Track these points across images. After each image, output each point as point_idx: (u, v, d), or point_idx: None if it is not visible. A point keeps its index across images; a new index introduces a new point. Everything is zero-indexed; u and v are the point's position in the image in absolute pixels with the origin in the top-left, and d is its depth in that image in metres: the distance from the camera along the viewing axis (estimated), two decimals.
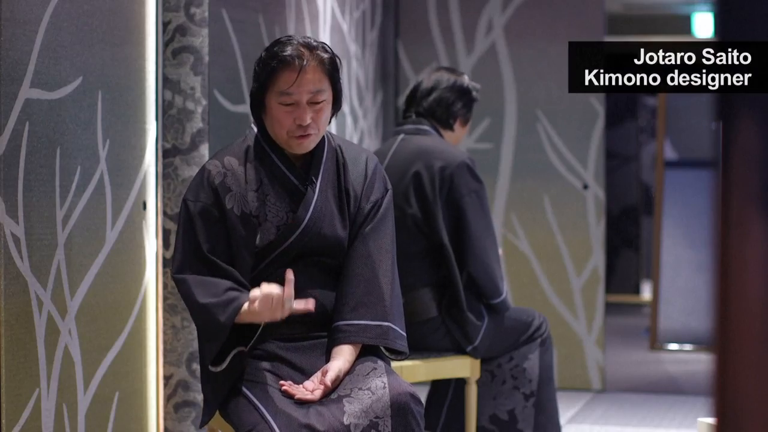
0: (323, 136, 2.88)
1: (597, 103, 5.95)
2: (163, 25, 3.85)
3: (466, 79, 3.94)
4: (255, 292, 2.67)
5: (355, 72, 5.45)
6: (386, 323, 2.81)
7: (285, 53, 2.77)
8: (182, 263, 2.78)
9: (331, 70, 2.81)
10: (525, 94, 5.99)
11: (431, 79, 3.91)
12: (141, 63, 3.65)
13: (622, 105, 10.58)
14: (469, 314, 3.74)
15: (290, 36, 2.84)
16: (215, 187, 2.79)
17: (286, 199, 2.83)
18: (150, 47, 3.71)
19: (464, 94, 3.91)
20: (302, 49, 2.77)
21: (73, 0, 3.21)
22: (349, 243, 2.87)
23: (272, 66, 2.77)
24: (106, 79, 3.41)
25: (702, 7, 8.96)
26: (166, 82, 3.86)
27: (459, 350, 3.79)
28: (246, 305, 2.69)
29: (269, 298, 2.65)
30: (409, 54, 6.08)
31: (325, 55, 2.80)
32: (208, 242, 2.78)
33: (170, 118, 3.87)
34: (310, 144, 2.82)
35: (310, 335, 2.84)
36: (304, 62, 2.76)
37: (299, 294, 2.84)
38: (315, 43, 2.81)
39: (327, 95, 2.80)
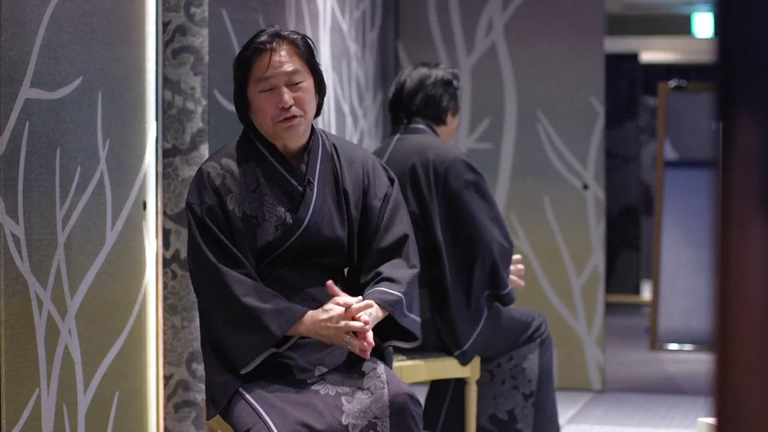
0: (318, 135, 2.89)
1: (597, 103, 5.95)
2: (163, 25, 3.84)
3: (443, 70, 3.93)
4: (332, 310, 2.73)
5: (355, 72, 5.45)
6: (399, 294, 2.82)
7: (257, 41, 2.82)
8: (207, 255, 2.75)
9: (305, 52, 2.84)
10: (525, 94, 5.99)
11: (414, 80, 3.90)
12: (141, 63, 3.65)
13: (622, 105, 10.58)
14: (458, 317, 3.72)
15: (262, 29, 2.87)
16: (216, 188, 2.79)
17: (284, 199, 2.83)
18: (150, 47, 3.71)
19: (448, 86, 3.91)
20: (273, 36, 2.82)
21: (73, 0, 3.21)
22: (366, 242, 2.89)
23: (246, 56, 2.82)
24: (106, 79, 3.41)
25: (702, 7, 8.96)
26: (166, 82, 3.86)
27: (448, 352, 3.76)
28: (307, 316, 2.72)
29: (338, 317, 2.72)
30: (409, 54, 6.08)
31: (296, 37, 2.84)
32: (227, 240, 2.78)
33: (170, 118, 3.87)
34: (298, 129, 2.81)
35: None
36: (275, 44, 2.80)
37: (298, 295, 2.84)
38: (286, 31, 2.85)
39: (305, 77, 2.82)
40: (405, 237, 2.92)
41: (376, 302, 2.77)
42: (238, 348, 2.72)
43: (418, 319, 2.88)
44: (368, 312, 2.72)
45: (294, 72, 2.80)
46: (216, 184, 2.79)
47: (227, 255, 2.76)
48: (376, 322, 2.77)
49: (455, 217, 3.75)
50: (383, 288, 2.82)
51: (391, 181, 2.96)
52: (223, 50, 3.96)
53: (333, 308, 2.72)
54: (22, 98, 2.96)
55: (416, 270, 2.91)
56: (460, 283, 3.75)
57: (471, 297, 3.76)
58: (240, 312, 2.72)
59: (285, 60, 2.80)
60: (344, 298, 2.74)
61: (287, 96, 2.78)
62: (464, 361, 3.73)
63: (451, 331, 3.72)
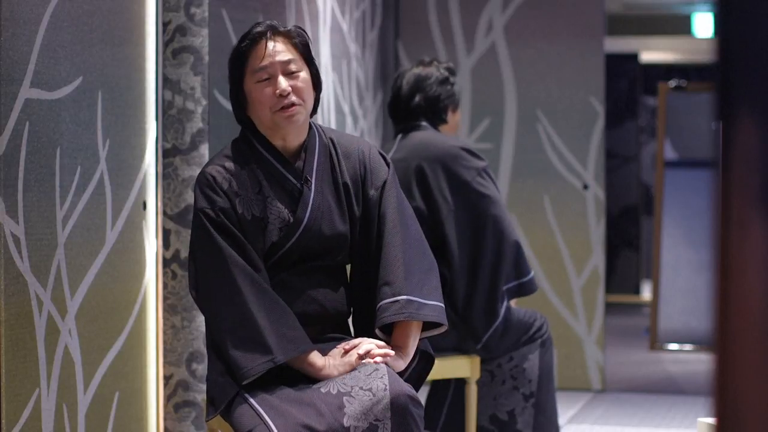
0: (315, 131, 2.88)
1: (597, 103, 5.95)
2: (163, 25, 3.84)
3: (438, 68, 3.94)
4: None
5: (355, 72, 5.45)
6: (403, 297, 2.78)
7: (253, 32, 2.81)
8: (230, 253, 2.72)
9: (301, 44, 2.83)
10: (525, 94, 5.99)
11: (409, 82, 3.90)
12: (141, 63, 3.65)
13: (622, 105, 10.58)
14: (473, 311, 3.75)
15: (257, 23, 2.87)
16: (225, 192, 2.75)
17: (286, 200, 2.82)
18: (150, 47, 3.71)
19: (444, 83, 3.92)
20: (267, 27, 2.82)
21: (73, 0, 3.21)
22: (365, 233, 2.87)
23: (242, 48, 2.81)
24: (106, 79, 3.41)
25: (702, 7, 8.96)
26: (166, 82, 3.86)
27: (453, 351, 3.80)
28: (312, 356, 2.72)
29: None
30: (409, 54, 6.08)
31: (291, 29, 2.84)
32: (245, 243, 2.76)
33: (170, 118, 3.87)
34: (298, 118, 2.79)
35: (325, 337, 2.85)
36: (270, 34, 2.80)
37: (301, 296, 2.83)
38: (281, 25, 2.85)
39: (301, 67, 2.81)
40: (395, 217, 2.86)
41: (389, 321, 2.79)
42: (239, 361, 2.69)
43: (438, 303, 2.83)
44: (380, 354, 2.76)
45: (290, 61, 2.79)
46: (224, 187, 2.76)
47: (247, 257, 2.74)
48: (415, 342, 2.83)
49: (472, 206, 3.75)
50: (384, 303, 2.79)
51: (387, 167, 2.92)
52: (223, 50, 3.96)
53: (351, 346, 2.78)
54: (22, 98, 2.96)
55: (414, 243, 2.85)
56: (475, 276, 3.76)
57: (494, 288, 3.75)
58: (245, 326, 2.70)
59: (281, 49, 2.79)
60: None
61: (285, 83, 2.77)
62: (485, 354, 3.77)
63: (465, 325, 3.75)
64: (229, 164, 2.80)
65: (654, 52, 10.88)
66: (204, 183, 2.78)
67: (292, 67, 2.79)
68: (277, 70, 2.78)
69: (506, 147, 6.00)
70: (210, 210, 2.75)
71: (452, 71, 3.97)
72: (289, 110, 2.77)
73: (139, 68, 3.64)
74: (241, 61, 2.81)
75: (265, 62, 2.78)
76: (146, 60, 3.69)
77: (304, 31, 2.87)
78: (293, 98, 2.77)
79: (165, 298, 3.85)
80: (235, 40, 4.04)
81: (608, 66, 6.20)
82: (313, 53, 2.88)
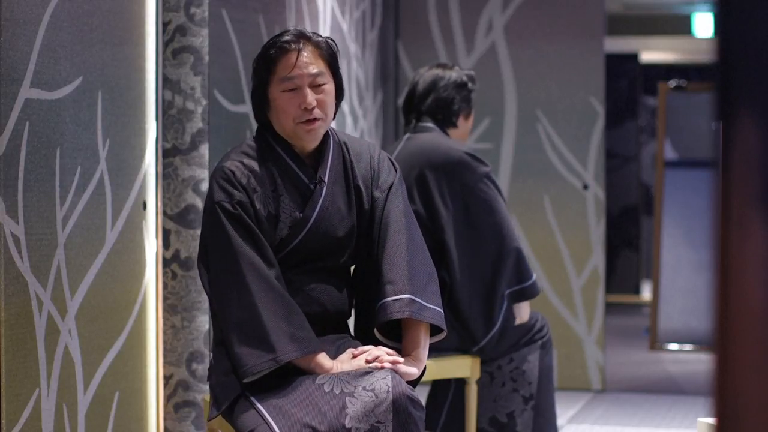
0: (330, 135, 2.89)
1: (597, 103, 5.95)
2: (163, 25, 3.84)
3: (458, 72, 3.92)
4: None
5: (355, 72, 5.45)
6: (406, 296, 2.78)
7: (282, 40, 2.81)
8: (243, 248, 2.72)
9: (329, 55, 2.84)
10: (525, 94, 6.00)
11: (426, 81, 3.89)
12: (141, 63, 3.65)
13: (622, 105, 10.58)
14: (471, 315, 3.75)
15: (286, 29, 2.87)
16: (244, 186, 2.77)
17: (298, 199, 2.84)
18: (150, 47, 3.71)
19: (461, 88, 3.90)
20: (298, 36, 2.82)
21: (73, 0, 3.21)
22: (368, 234, 2.88)
23: (271, 54, 2.81)
24: (106, 79, 3.41)
25: (702, 7, 8.96)
26: (166, 82, 3.86)
27: (455, 351, 3.80)
28: (320, 358, 2.73)
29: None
30: (409, 54, 6.08)
31: (320, 39, 2.84)
32: (262, 237, 2.76)
33: (170, 118, 3.87)
34: (318, 131, 2.81)
35: (324, 336, 2.85)
36: (301, 45, 2.80)
37: (303, 296, 2.84)
38: (310, 33, 2.85)
39: (328, 79, 2.82)
40: (400, 220, 2.87)
41: (391, 318, 2.78)
42: (243, 358, 2.69)
43: (439, 309, 2.83)
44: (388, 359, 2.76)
45: (318, 74, 2.80)
46: (243, 182, 2.77)
47: (262, 251, 2.75)
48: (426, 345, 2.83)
49: (474, 212, 3.75)
50: (386, 301, 2.78)
51: (395, 171, 2.94)
52: (223, 50, 3.96)
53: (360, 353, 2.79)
54: (22, 98, 2.96)
55: (417, 248, 2.85)
56: (474, 281, 3.75)
57: (493, 293, 3.75)
58: (252, 323, 2.70)
59: (310, 61, 2.80)
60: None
61: (311, 97, 2.78)
62: (483, 356, 3.78)
63: (465, 329, 3.75)
64: (248, 161, 2.81)
65: (654, 52, 10.88)
66: (222, 177, 2.78)
67: (320, 80, 2.81)
68: (304, 82, 2.79)
69: (506, 147, 6.00)
70: (228, 203, 2.75)
71: (472, 79, 3.95)
72: (312, 125, 2.80)
73: (139, 68, 3.64)
74: (268, 66, 2.82)
75: (294, 73, 2.79)
76: (146, 60, 3.69)
77: (333, 42, 2.88)
78: (317, 113, 2.79)
79: (165, 298, 3.85)
80: (235, 40, 4.04)
81: (608, 66, 6.20)
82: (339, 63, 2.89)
